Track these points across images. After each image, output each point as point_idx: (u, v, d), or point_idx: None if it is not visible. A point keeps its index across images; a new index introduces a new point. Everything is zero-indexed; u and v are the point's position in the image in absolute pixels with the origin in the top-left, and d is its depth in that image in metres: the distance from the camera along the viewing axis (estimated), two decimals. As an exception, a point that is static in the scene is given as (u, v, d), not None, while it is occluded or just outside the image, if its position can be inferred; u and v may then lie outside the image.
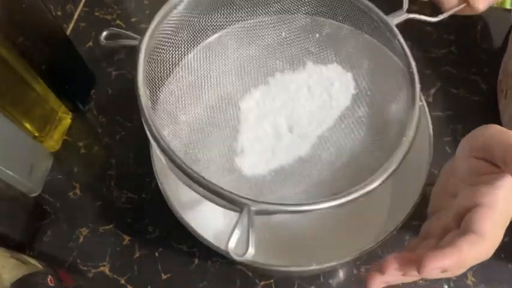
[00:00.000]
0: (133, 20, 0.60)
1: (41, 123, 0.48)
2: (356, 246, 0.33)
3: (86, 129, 0.52)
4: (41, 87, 0.47)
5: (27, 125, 0.46)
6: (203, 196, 0.30)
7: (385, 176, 0.30)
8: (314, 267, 0.33)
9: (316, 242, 0.41)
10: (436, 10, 0.58)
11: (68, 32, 0.59)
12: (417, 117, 0.32)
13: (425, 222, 0.30)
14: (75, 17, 0.60)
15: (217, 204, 0.30)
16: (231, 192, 0.28)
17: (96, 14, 0.60)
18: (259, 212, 0.27)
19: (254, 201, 0.27)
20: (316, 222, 0.41)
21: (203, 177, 0.28)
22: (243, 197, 0.28)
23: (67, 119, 0.52)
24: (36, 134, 0.47)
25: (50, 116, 0.49)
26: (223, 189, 0.28)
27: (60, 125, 0.51)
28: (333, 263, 0.33)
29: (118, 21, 0.60)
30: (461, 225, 0.25)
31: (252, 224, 0.26)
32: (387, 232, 0.33)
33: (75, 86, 0.51)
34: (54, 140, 0.50)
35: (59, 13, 0.58)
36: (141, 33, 0.58)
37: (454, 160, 0.29)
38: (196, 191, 0.30)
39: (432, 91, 0.52)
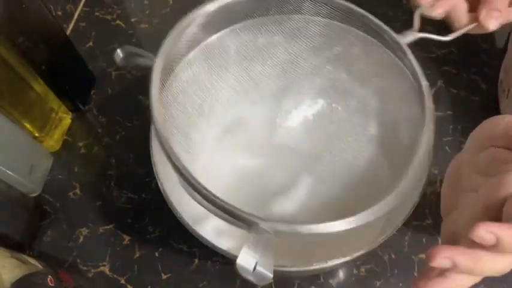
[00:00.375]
0: (133, 20, 0.60)
1: (41, 123, 0.48)
2: (356, 246, 0.33)
3: (86, 129, 0.52)
4: (41, 87, 0.47)
5: (27, 125, 0.46)
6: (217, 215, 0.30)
7: (401, 193, 0.29)
8: (314, 267, 0.33)
9: (315, 242, 0.41)
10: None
11: (68, 32, 0.59)
12: (427, 136, 0.31)
13: (441, 225, 0.28)
14: (75, 17, 0.60)
15: (227, 221, 0.29)
16: (239, 210, 0.27)
17: (96, 14, 0.60)
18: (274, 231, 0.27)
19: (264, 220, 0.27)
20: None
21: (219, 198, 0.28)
22: (254, 216, 0.27)
23: (67, 119, 0.52)
24: (36, 134, 0.47)
25: (50, 116, 0.49)
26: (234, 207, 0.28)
27: (60, 125, 0.51)
28: (333, 263, 0.33)
29: (118, 21, 0.60)
30: (503, 217, 0.23)
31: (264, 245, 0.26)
32: (387, 232, 0.33)
33: (75, 86, 0.51)
34: (54, 140, 0.50)
35: (59, 13, 0.58)
36: (142, 32, 0.59)
37: (463, 155, 0.28)
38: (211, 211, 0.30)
39: (432, 91, 0.51)
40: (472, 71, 0.53)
